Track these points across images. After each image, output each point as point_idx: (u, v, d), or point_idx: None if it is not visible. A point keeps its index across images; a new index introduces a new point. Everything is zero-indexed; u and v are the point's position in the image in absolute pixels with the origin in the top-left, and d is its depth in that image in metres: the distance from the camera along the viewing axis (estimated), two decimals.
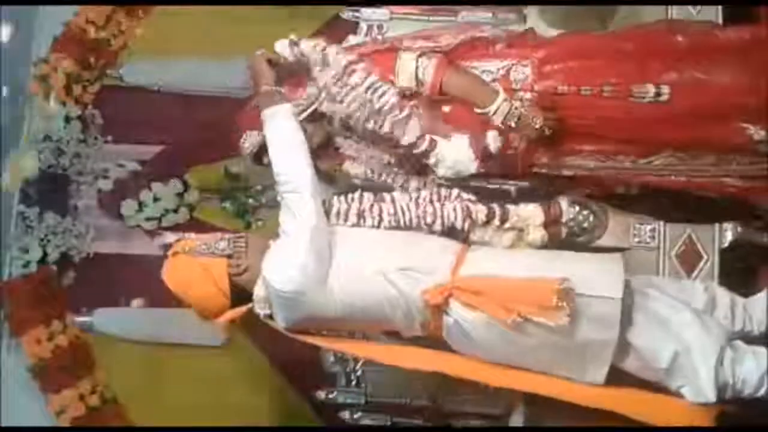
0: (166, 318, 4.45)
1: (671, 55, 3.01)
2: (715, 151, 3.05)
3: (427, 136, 3.02)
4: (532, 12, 3.88)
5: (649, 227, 3.25)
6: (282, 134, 2.92)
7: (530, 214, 3.15)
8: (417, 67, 3.02)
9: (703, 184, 3.13)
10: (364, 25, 3.93)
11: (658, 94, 2.97)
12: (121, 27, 4.65)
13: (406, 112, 3.01)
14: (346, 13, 3.99)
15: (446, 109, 3.07)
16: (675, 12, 3.31)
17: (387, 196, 3.07)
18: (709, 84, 2.97)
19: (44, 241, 4.54)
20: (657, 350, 2.80)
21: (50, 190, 4.60)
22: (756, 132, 2.97)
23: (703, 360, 2.76)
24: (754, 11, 3.31)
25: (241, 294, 2.96)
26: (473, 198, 3.10)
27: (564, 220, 3.23)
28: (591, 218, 3.28)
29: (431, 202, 3.06)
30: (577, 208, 3.28)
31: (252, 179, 4.48)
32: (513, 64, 3.08)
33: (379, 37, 3.86)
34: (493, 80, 3.06)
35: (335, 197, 3.06)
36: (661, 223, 3.24)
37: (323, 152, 3.21)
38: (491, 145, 3.01)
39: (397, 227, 3.01)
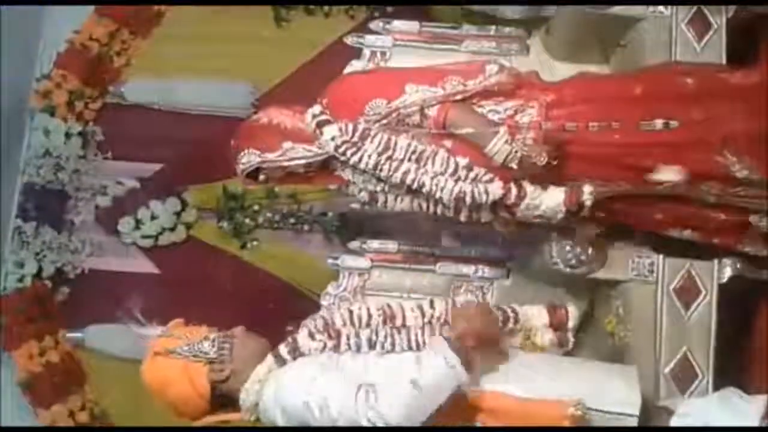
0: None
1: (680, 97, 3.04)
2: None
3: (512, 186, 3.02)
4: (535, 43, 3.91)
5: (648, 261, 3.25)
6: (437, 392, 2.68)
7: (535, 313, 3.20)
8: (424, 100, 3.04)
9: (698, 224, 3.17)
10: (367, 52, 3.93)
11: (666, 126, 3.01)
12: (124, 45, 4.67)
13: (488, 174, 3.02)
14: (350, 39, 4.00)
15: (448, 143, 3.08)
16: (679, 49, 3.32)
17: (399, 317, 3.01)
18: (712, 123, 2.99)
19: (40, 256, 4.52)
20: None
21: (48, 205, 4.59)
22: (739, 171, 2.99)
23: None
24: (755, 42, 3.36)
25: (222, 398, 2.87)
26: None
27: (571, 325, 3.25)
28: (589, 250, 3.30)
29: (446, 324, 3.00)
30: (575, 240, 3.30)
31: (249, 199, 4.49)
32: (520, 105, 3.09)
33: (383, 64, 3.88)
34: (500, 119, 3.07)
35: (341, 320, 2.99)
36: (660, 257, 3.24)
37: (320, 173, 3.22)
38: (587, 200, 3.03)
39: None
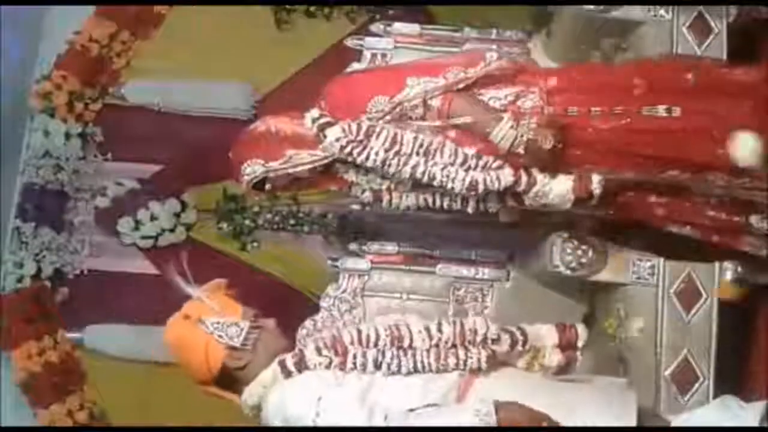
0: (157, 336, 4.43)
1: (680, 90, 3.04)
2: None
3: (522, 174, 3.02)
4: (536, 47, 3.91)
5: (648, 264, 3.24)
6: None
7: (544, 334, 3.19)
8: (426, 91, 3.03)
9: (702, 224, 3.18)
10: (368, 54, 3.93)
11: (669, 112, 3.01)
12: (124, 46, 4.67)
13: (498, 161, 3.01)
14: (351, 42, 4.00)
15: (453, 134, 3.08)
16: (680, 53, 3.33)
17: (406, 339, 2.95)
18: (713, 117, 2.99)
19: (39, 257, 4.53)
20: None
21: (47, 206, 4.59)
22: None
23: None
24: (755, 46, 3.37)
25: (228, 379, 2.89)
26: (495, 333, 3.02)
27: (580, 345, 3.26)
28: (590, 253, 3.29)
29: (453, 348, 2.95)
30: (576, 242, 3.31)
31: (250, 201, 4.49)
32: (521, 91, 3.09)
33: (383, 63, 3.88)
34: (502, 106, 3.07)
35: (349, 338, 2.94)
36: (661, 260, 3.23)
37: (323, 176, 3.21)
38: (596, 188, 3.03)
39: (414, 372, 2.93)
